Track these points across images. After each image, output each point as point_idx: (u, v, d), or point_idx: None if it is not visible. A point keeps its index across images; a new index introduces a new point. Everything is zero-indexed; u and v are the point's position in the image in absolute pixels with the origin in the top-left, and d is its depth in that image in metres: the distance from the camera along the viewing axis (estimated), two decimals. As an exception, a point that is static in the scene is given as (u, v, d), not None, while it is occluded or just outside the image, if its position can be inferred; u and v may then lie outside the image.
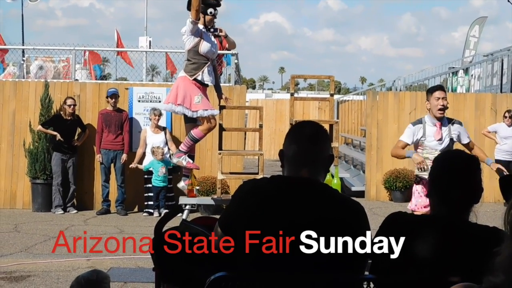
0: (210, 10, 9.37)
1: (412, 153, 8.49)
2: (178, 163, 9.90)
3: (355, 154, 23.48)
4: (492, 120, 17.34)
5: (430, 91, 8.69)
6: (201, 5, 9.20)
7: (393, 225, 3.44)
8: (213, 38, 9.58)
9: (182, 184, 10.05)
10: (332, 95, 10.69)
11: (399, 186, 16.91)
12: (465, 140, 8.67)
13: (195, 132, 9.60)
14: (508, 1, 6.62)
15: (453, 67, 29.81)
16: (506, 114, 16.15)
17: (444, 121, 8.56)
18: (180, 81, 9.37)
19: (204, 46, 9.29)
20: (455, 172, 3.44)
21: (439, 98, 8.43)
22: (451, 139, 8.52)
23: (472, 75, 28.26)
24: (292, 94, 10.76)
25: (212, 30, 9.54)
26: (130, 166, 14.95)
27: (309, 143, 3.48)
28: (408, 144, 8.71)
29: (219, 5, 9.49)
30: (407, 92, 20.41)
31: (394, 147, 8.95)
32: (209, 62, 9.42)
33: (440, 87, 8.78)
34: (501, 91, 21.65)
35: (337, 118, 25.53)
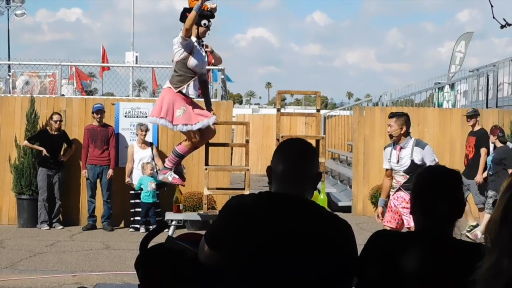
0: (204, 21, 9.31)
1: (380, 203, 9.69)
2: (164, 179, 9.88)
3: (342, 169, 23.49)
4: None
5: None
6: None
7: (378, 243, 3.43)
8: (203, 52, 9.53)
9: (161, 176, 9.95)
10: (318, 110, 10.71)
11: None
12: (429, 163, 8.88)
13: (179, 148, 9.60)
14: (494, 17, 6.66)
15: (439, 83, 29.92)
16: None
17: (406, 143, 9.15)
18: (165, 93, 9.35)
19: (193, 61, 9.25)
20: (439, 187, 3.44)
21: (388, 125, 9.22)
22: (412, 161, 9.03)
23: (458, 91, 28.37)
24: (278, 110, 10.78)
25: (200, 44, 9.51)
26: (126, 182, 14.90)
27: (297, 161, 3.47)
28: (390, 170, 9.46)
29: (213, 16, 9.43)
30: (393, 108, 20.44)
31: (384, 177, 9.80)
32: (195, 76, 9.39)
33: (392, 114, 9.35)
34: (486, 107, 21.72)
35: (324, 133, 25.58)
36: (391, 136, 9.16)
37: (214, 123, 9.57)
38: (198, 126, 9.34)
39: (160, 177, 9.98)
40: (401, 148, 9.10)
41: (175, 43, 9.27)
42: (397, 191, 9.19)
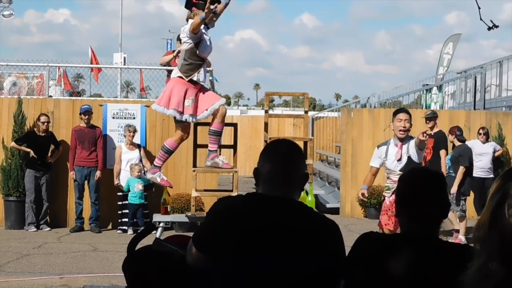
0: (212, 6, 9.32)
1: (363, 188, 9.43)
2: (152, 179, 9.89)
3: (330, 171, 23.50)
4: (466, 137, 17.40)
5: (394, 113, 9.20)
6: (201, 2, 9.24)
7: (365, 245, 3.43)
8: (209, 37, 9.56)
9: (150, 175, 9.93)
10: (306, 112, 10.72)
11: (373, 202, 16.91)
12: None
13: (169, 143, 9.61)
14: (481, 19, 6.69)
15: (427, 84, 29.98)
16: (481, 131, 16.22)
17: (406, 141, 8.97)
18: (175, 83, 9.37)
19: (203, 49, 9.34)
20: (424, 188, 3.45)
21: (401, 120, 8.92)
22: (409, 157, 8.88)
23: (445, 92, 28.45)
24: (266, 111, 10.77)
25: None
26: (115, 184, 14.86)
27: (284, 162, 3.47)
28: (377, 168, 9.34)
29: (219, 1, 9.43)
30: (381, 109, 20.47)
31: (367, 173, 9.63)
32: (204, 63, 9.46)
33: (403, 110, 9.30)
34: (474, 108, 21.81)
35: (312, 134, 25.56)
36: (405, 131, 8.94)
37: (221, 105, 9.61)
38: (202, 117, 9.45)
39: (149, 176, 9.98)
40: (402, 145, 8.95)
41: (183, 32, 9.32)
42: (394, 192, 9.08)
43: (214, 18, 9.56)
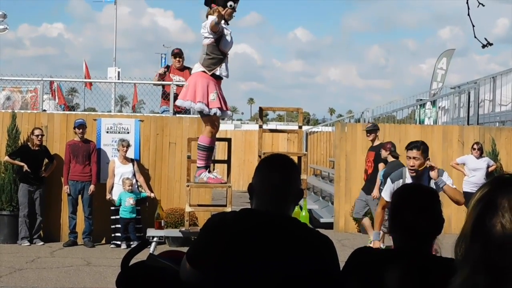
0: (230, 3, 9.41)
1: (375, 237, 8.78)
2: (199, 181, 9.81)
3: (324, 186, 23.48)
4: (460, 152, 17.48)
5: (406, 147, 8.61)
6: None
7: (359, 260, 3.43)
8: (229, 31, 9.66)
9: (197, 179, 9.82)
10: (300, 127, 10.74)
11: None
12: (438, 190, 8.15)
13: (203, 140, 9.61)
14: (475, 37, 6.68)
15: (421, 99, 30.07)
16: (475, 146, 16.27)
17: (425, 175, 8.37)
18: (197, 78, 9.42)
19: (224, 43, 9.44)
20: (418, 205, 3.45)
21: (409, 158, 8.33)
22: None
23: (439, 107, 28.51)
24: (260, 126, 10.78)
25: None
26: (107, 198, 14.82)
27: (278, 177, 3.47)
28: (388, 201, 8.45)
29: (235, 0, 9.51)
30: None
31: (378, 207, 9.02)
32: (226, 57, 9.54)
33: (414, 146, 8.50)
34: (468, 123, 21.85)
35: (306, 149, 25.56)
36: (414, 171, 8.28)
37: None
38: (229, 114, 9.53)
39: (196, 180, 9.87)
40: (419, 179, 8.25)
41: (204, 27, 9.38)
42: None
43: (234, 14, 9.65)
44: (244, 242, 3.28)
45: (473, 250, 1.86)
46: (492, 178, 1.92)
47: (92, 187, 14.91)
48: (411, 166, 8.25)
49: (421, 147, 8.45)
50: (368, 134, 15.21)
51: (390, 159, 13.81)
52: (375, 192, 13.84)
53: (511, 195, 1.80)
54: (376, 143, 14.95)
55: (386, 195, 8.49)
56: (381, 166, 14.17)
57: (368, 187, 14.54)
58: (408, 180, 8.33)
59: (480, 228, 1.85)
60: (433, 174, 8.37)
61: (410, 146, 8.48)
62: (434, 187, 8.20)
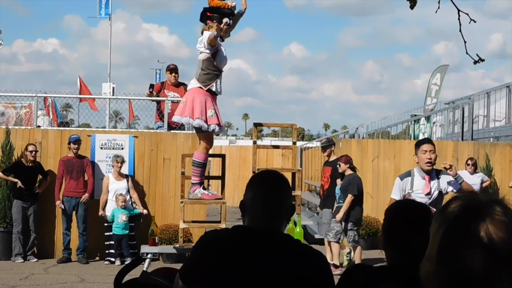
0: (225, 20, 9.51)
1: None
2: (194, 197, 9.79)
3: (319, 201, 23.42)
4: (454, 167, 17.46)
5: (418, 144, 8.61)
6: (215, 15, 9.45)
7: (353, 277, 3.43)
8: (224, 48, 9.71)
9: (191, 195, 9.81)
10: (294, 143, 10.74)
11: (362, 233, 16.84)
12: (457, 187, 8.45)
13: (198, 157, 9.61)
14: (467, 53, 6.72)
15: (415, 115, 30.13)
16: (469, 162, 16.30)
17: (433, 174, 8.43)
18: (195, 93, 9.44)
19: (220, 58, 9.47)
20: (409, 221, 3.45)
21: (426, 151, 8.32)
22: (440, 192, 8.37)
23: (434, 123, 28.58)
24: (254, 142, 10.77)
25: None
26: (100, 214, 14.78)
27: (269, 194, 3.46)
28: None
29: (233, 14, 9.66)
30: (369, 140, 20.52)
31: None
32: (221, 73, 9.54)
33: (427, 140, 8.75)
34: (462, 139, 21.88)
35: (301, 164, 25.53)
36: (431, 163, 8.34)
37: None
38: (224, 129, 9.58)
39: (190, 196, 9.85)
40: (430, 178, 8.35)
41: (200, 42, 9.40)
42: None
43: (230, 30, 9.71)
44: (236, 259, 3.27)
45: (440, 275, 1.83)
46: (458, 204, 1.87)
47: (86, 196, 14.83)
48: (428, 159, 8.28)
49: (432, 141, 8.72)
50: (323, 151, 15.23)
51: (348, 172, 13.81)
52: (340, 215, 13.71)
53: (485, 223, 1.77)
54: (332, 158, 14.94)
55: (396, 195, 8.48)
56: (338, 181, 14.16)
57: (324, 203, 14.62)
58: (417, 177, 8.39)
59: (446, 252, 1.81)
60: (451, 172, 8.47)
61: (423, 141, 8.66)
62: (447, 186, 8.41)
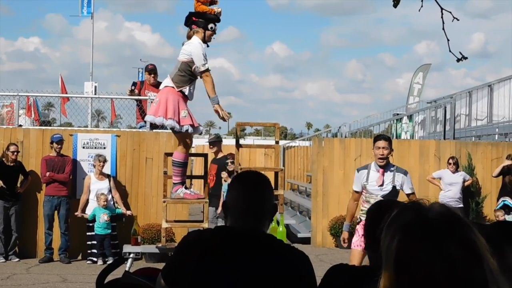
0: (211, 25, 9.51)
1: (346, 228, 9.50)
2: (176, 197, 9.76)
3: (301, 200, 23.49)
4: (436, 166, 17.55)
5: (374, 140, 9.31)
6: (201, 20, 9.44)
7: (335, 277, 3.42)
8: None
9: (174, 195, 9.77)
10: (277, 142, 10.73)
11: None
12: (407, 191, 9.08)
13: (178, 157, 9.58)
14: (450, 51, 6.76)
15: (398, 114, 30.24)
16: (450, 161, 16.36)
17: (389, 168, 9.05)
18: (168, 93, 9.36)
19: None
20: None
21: (379, 148, 8.98)
22: (394, 187, 8.93)
23: (416, 122, 28.67)
24: (237, 142, 10.75)
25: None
26: (76, 214, 14.73)
27: (251, 195, 3.47)
28: (360, 193, 9.25)
29: (219, 20, 9.63)
30: (352, 139, 20.57)
31: (350, 199, 9.64)
32: (195, 80, 9.55)
33: (382, 137, 9.33)
34: (444, 138, 21.96)
35: (283, 163, 25.58)
36: (383, 158, 8.97)
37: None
38: (201, 130, 9.56)
39: (173, 196, 9.82)
40: (384, 172, 8.98)
41: (186, 50, 9.37)
42: None
43: (213, 37, 9.70)
44: (218, 259, 3.27)
45: (399, 285, 1.80)
46: (408, 213, 1.89)
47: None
48: (381, 155, 8.95)
49: (388, 138, 9.43)
50: (211, 147, 15.15)
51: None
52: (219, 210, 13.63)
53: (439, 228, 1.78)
54: (220, 155, 14.85)
55: (356, 186, 9.27)
56: (227, 178, 13.93)
57: (210, 202, 14.56)
58: (372, 170, 9.07)
59: (404, 264, 1.79)
60: None
61: (378, 138, 9.33)
62: (401, 183, 9.03)
